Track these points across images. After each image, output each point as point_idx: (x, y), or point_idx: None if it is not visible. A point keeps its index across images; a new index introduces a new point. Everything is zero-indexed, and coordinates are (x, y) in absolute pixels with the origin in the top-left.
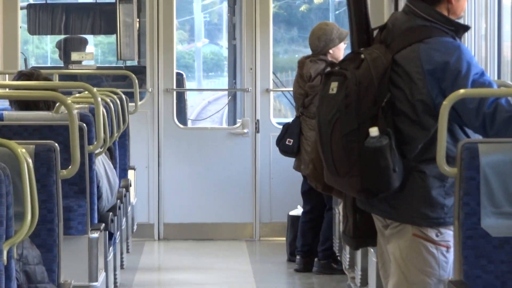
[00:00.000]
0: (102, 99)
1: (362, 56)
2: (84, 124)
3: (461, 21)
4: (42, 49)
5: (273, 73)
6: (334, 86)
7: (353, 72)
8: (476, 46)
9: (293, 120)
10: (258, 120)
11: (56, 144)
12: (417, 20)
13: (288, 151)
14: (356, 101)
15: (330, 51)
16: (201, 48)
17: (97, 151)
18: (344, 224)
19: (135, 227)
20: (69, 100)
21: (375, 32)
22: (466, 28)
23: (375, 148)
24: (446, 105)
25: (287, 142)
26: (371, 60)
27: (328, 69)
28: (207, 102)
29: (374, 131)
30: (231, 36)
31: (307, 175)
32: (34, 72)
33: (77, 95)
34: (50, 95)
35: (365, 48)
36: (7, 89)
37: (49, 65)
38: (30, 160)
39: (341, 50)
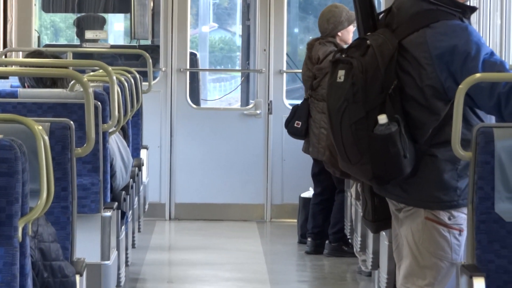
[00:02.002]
0: (116, 77)
1: (368, 42)
2: (99, 103)
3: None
4: (56, 27)
5: (287, 54)
6: (341, 74)
7: (359, 59)
8: (491, 43)
9: (301, 103)
10: (271, 101)
11: (72, 122)
12: (423, 4)
13: (297, 134)
14: (363, 89)
15: (339, 33)
16: (208, 34)
17: (111, 130)
18: (363, 208)
19: (146, 207)
20: (85, 78)
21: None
22: (473, 9)
23: (385, 135)
24: (462, 89)
25: (295, 125)
26: (376, 47)
27: (336, 56)
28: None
29: (382, 119)
30: (245, 17)
31: (323, 161)
32: (44, 51)
33: (92, 73)
34: (66, 73)
35: (371, 34)
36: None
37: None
38: (46, 138)
39: (350, 33)
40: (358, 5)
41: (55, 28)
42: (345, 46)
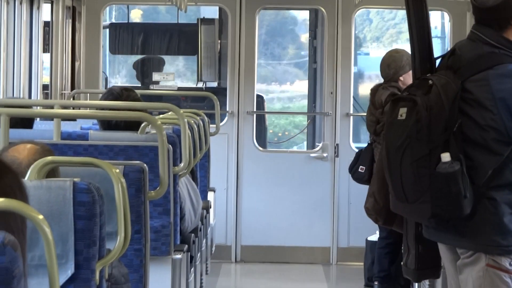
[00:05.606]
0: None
1: (430, 82)
2: (170, 145)
3: None
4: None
5: (353, 97)
6: (403, 112)
7: (422, 97)
8: None
9: (365, 147)
10: (337, 145)
11: (145, 165)
12: (485, 47)
13: (360, 179)
14: (427, 126)
15: (401, 78)
16: None
17: (181, 173)
18: (405, 256)
19: (213, 249)
20: (159, 121)
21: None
22: None
23: (447, 173)
24: None
25: (359, 169)
26: (440, 86)
27: (396, 95)
28: None
29: (446, 157)
30: (312, 60)
31: (365, 208)
32: (124, 93)
33: (161, 116)
34: (139, 115)
35: (433, 74)
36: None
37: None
38: (124, 181)
39: (411, 77)
40: (416, 48)
41: (121, 69)
42: None
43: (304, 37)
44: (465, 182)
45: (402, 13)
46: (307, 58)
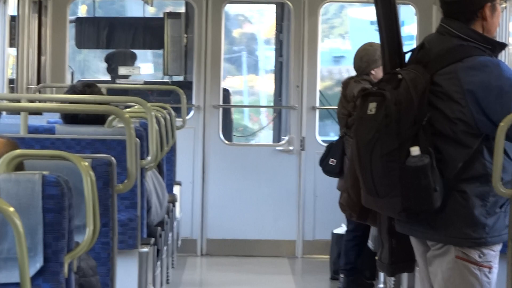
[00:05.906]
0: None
1: (399, 76)
2: (137, 139)
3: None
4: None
5: (320, 91)
6: (372, 107)
7: (391, 92)
8: None
9: (336, 140)
10: (303, 138)
11: (113, 158)
12: (454, 40)
13: (331, 172)
14: (396, 120)
15: (373, 71)
16: None
17: (148, 166)
18: (379, 251)
19: (179, 242)
20: (127, 114)
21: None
22: (503, 45)
23: (417, 167)
24: (503, 126)
25: (330, 162)
26: (409, 80)
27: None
28: None
29: (415, 150)
30: (278, 53)
31: (340, 204)
32: (87, 89)
33: (128, 109)
34: (108, 109)
35: (402, 69)
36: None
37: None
38: (93, 174)
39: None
40: (386, 42)
41: (87, 64)
42: None
43: (236, 32)
44: (435, 175)
45: (334, 8)
46: (241, 54)
